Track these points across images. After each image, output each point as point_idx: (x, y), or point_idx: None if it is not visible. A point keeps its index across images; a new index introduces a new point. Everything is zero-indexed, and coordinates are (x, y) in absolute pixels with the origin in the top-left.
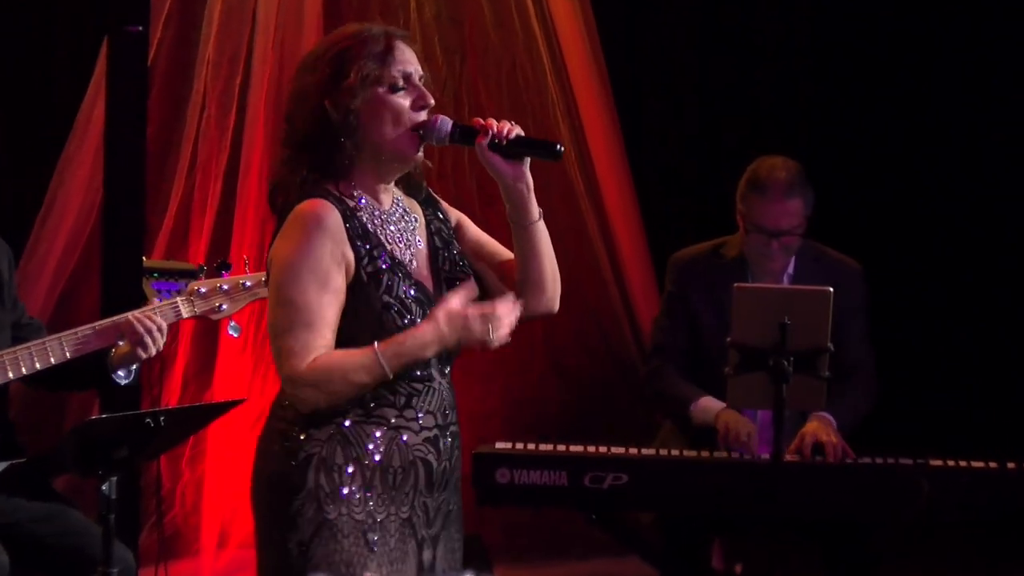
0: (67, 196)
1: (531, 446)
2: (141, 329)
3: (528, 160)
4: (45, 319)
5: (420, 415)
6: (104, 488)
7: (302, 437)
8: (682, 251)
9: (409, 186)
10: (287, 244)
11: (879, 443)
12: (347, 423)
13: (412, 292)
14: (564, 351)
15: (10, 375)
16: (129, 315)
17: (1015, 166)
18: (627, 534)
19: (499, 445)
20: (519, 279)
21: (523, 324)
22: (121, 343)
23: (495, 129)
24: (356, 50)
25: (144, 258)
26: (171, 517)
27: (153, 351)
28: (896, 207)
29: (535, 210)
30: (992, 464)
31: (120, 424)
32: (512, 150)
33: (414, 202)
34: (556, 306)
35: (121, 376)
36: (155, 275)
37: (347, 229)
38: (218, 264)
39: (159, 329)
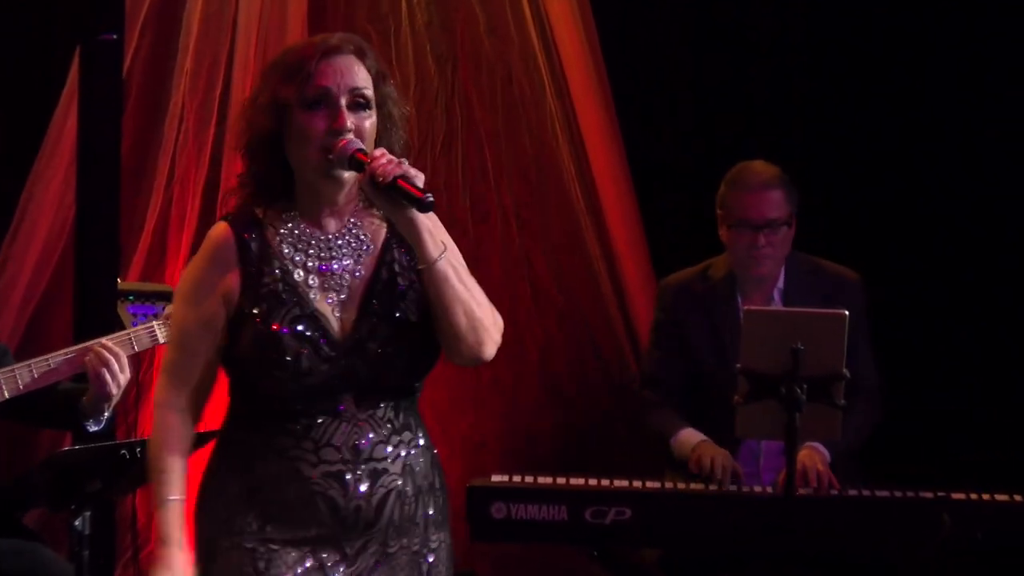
0: (37, 213)
1: (529, 479)
2: (97, 362)
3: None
4: (15, 343)
5: (320, 448)
6: (77, 523)
7: (211, 461)
8: (670, 277)
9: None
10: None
11: (887, 457)
12: (244, 450)
13: (296, 327)
14: (560, 376)
15: None
16: (87, 347)
17: (1015, 164)
18: (630, 572)
19: (495, 478)
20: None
21: (517, 346)
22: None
23: (374, 167)
24: (271, 69)
25: (119, 279)
26: (147, 553)
27: (113, 388)
28: (894, 205)
29: (431, 251)
30: (1016, 497)
31: (93, 455)
32: (388, 194)
33: (382, 228)
34: (486, 353)
35: (91, 425)
36: (130, 298)
37: (240, 253)
38: None
39: (116, 358)
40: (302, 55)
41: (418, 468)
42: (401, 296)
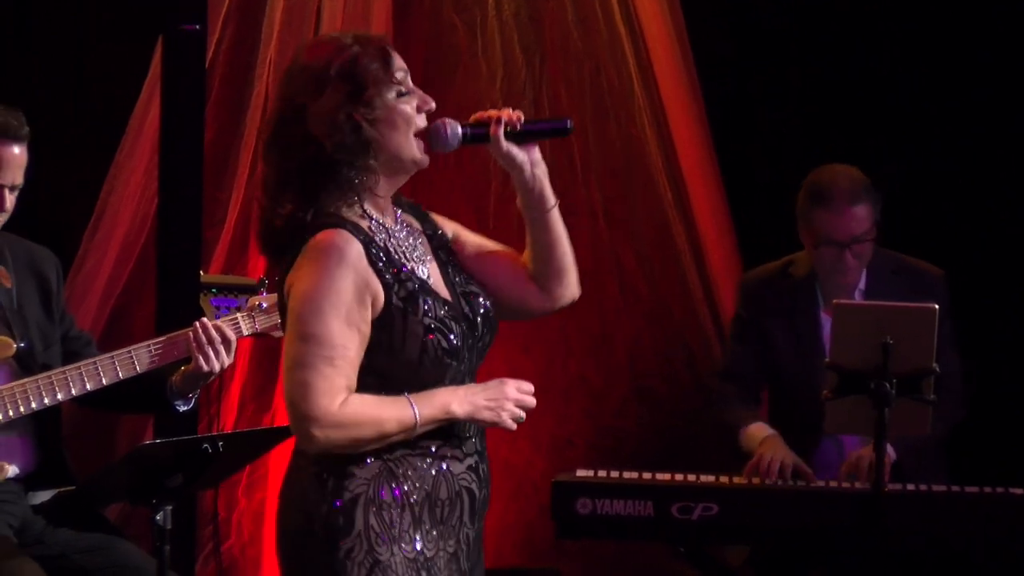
0: (118, 206)
1: (614, 474)
2: (204, 338)
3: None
4: (96, 337)
5: (464, 442)
6: (158, 517)
7: (344, 477)
8: (751, 272)
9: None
10: (306, 276)
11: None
12: (391, 457)
13: (446, 310)
14: (650, 374)
15: (59, 396)
16: (197, 322)
17: None
18: (717, 570)
19: (580, 473)
20: (539, 271)
21: (604, 344)
22: (184, 368)
23: (506, 117)
24: (361, 59)
25: (201, 272)
26: (228, 547)
27: (216, 365)
28: (964, 205)
29: (552, 195)
30: None
31: (175, 450)
32: (525, 136)
33: (411, 217)
34: (579, 291)
35: (180, 404)
36: (213, 291)
37: (369, 257)
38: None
39: (226, 341)
40: (379, 46)
41: None
42: (469, 279)
